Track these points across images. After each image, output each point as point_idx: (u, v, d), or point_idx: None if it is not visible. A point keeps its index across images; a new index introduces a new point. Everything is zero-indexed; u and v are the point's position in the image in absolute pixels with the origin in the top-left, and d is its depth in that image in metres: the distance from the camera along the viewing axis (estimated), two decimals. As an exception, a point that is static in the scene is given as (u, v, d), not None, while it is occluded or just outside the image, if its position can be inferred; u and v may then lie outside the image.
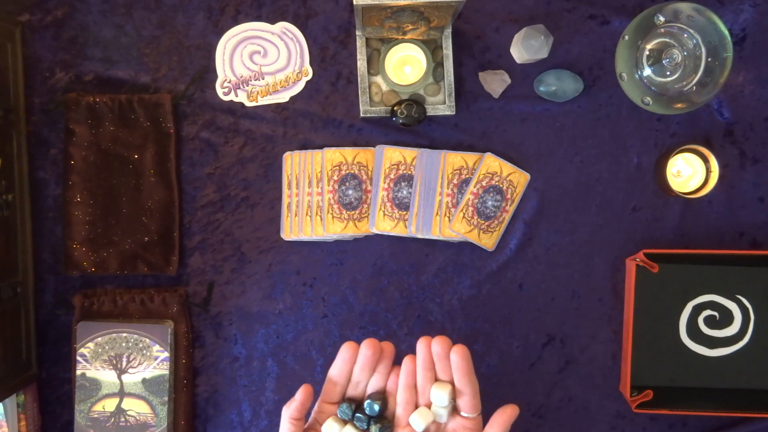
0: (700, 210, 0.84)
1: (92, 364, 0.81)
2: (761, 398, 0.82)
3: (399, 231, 0.83)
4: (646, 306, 0.81)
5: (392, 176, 0.83)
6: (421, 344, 0.61)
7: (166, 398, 0.81)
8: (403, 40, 0.81)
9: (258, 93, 0.84)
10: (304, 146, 0.84)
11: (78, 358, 0.81)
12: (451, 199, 0.83)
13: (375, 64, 0.83)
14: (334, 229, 0.83)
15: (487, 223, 0.83)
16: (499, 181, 0.83)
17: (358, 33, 0.82)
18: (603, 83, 0.84)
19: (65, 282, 0.84)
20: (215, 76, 0.84)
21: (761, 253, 0.81)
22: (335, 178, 0.83)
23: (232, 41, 0.83)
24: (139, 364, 0.81)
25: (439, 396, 0.60)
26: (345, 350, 0.61)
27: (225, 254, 0.84)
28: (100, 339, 0.81)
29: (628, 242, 0.84)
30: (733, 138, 0.84)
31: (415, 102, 0.81)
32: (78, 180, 0.81)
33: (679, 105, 0.75)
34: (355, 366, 0.62)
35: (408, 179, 0.83)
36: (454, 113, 0.83)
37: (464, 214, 0.82)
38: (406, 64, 0.83)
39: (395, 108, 0.81)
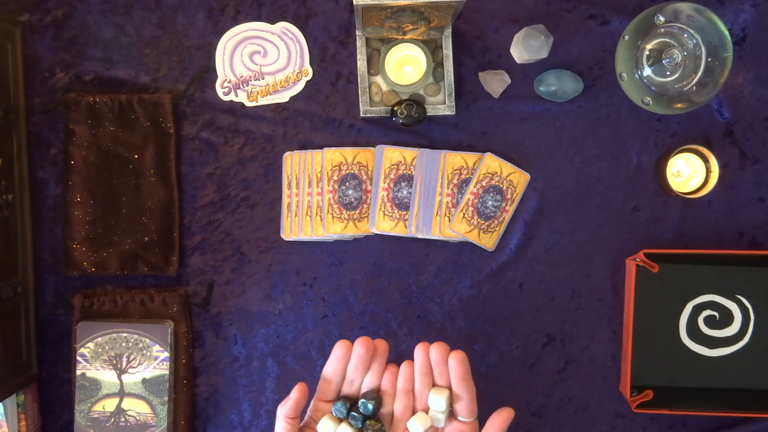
0: (700, 210, 0.84)
1: (92, 364, 0.81)
2: (761, 398, 0.82)
3: (399, 231, 0.83)
4: (646, 306, 0.81)
5: (392, 176, 0.83)
6: (418, 350, 0.61)
7: (166, 398, 0.81)
8: (403, 40, 0.81)
9: (258, 93, 0.84)
10: (304, 146, 0.84)
11: (78, 358, 0.81)
12: (451, 199, 0.83)
13: (375, 64, 0.83)
14: (334, 229, 0.83)
15: (487, 223, 0.83)
16: (499, 181, 0.83)
17: (358, 33, 0.82)
18: (603, 83, 0.84)
19: (65, 282, 0.84)
20: (215, 76, 0.84)
21: (761, 253, 0.81)
22: (335, 178, 0.83)
23: (232, 41, 0.83)
24: (139, 364, 0.81)
25: (437, 401, 0.60)
26: (338, 348, 0.61)
27: (225, 254, 0.84)
28: (100, 339, 0.81)
29: (628, 242, 0.84)
30: (733, 138, 0.84)
31: (415, 102, 0.81)
32: (78, 180, 0.81)
33: (679, 105, 0.76)
34: (349, 364, 0.62)
35: (408, 179, 0.83)
36: (454, 113, 0.83)
37: (464, 214, 0.82)
38: (406, 64, 0.83)
39: (395, 108, 0.81)
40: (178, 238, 0.83)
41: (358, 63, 0.82)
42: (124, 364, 0.81)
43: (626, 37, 0.75)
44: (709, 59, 0.73)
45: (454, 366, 0.60)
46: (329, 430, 0.61)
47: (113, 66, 0.83)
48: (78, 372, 0.81)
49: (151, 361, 0.81)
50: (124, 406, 0.81)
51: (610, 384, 0.84)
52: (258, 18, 0.83)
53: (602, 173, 0.84)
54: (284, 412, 0.61)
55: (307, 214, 0.83)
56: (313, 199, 0.83)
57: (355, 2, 0.68)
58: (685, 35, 0.74)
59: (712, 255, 0.81)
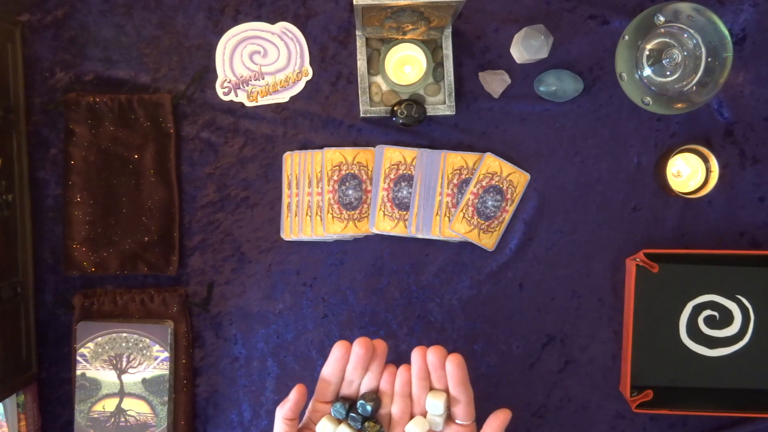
0: (700, 210, 0.84)
1: (92, 364, 0.81)
2: (761, 398, 0.82)
3: (399, 231, 0.83)
4: (646, 306, 0.81)
5: (392, 176, 0.83)
6: (416, 354, 0.61)
7: (166, 398, 0.81)
8: (403, 40, 0.81)
9: (258, 93, 0.84)
10: (304, 146, 0.84)
11: (78, 358, 0.81)
12: (451, 199, 0.83)
13: (375, 64, 0.83)
14: (334, 229, 0.83)
15: (487, 223, 0.83)
16: (499, 181, 0.83)
17: (358, 33, 0.82)
18: (603, 83, 0.84)
19: (65, 282, 0.84)
20: (215, 76, 0.84)
21: (761, 253, 0.81)
22: (335, 178, 0.83)
23: (232, 41, 0.83)
24: (139, 364, 0.81)
25: (435, 405, 0.60)
26: (337, 349, 0.61)
27: (225, 254, 0.84)
28: (100, 339, 0.81)
29: (628, 242, 0.84)
30: (733, 138, 0.84)
31: (415, 102, 0.81)
32: (78, 180, 0.81)
33: (679, 105, 0.76)
34: (347, 365, 0.62)
35: (408, 179, 0.83)
36: (454, 113, 0.83)
37: (464, 214, 0.82)
38: (406, 64, 0.83)
39: (395, 108, 0.81)
40: (178, 238, 0.83)
41: (358, 63, 0.82)
42: (124, 364, 0.81)
43: (626, 37, 0.75)
44: (709, 59, 0.73)
45: (452, 369, 0.60)
46: (328, 431, 0.61)
47: (113, 66, 0.83)
48: (78, 372, 0.81)
49: (151, 361, 0.81)
50: (124, 406, 0.81)
51: (610, 384, 0.84)
52: (258, 18, 0.84)
53: (602, 173, 0.84)
54: (283, 413, 0.61)
55: (307, 214, 0.83)
56: (313, 199, 0.83)
57: (355, 2, 0.68)
58: (685, 35, 0.74)
59: (712, 255, 0.81)
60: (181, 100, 0.83)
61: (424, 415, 0.62)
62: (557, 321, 0.84)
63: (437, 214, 0.83)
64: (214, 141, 0.84)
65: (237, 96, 0.84)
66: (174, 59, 0.83)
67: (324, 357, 0.84)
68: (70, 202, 0.82)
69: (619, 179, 0.84)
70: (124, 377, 0.81)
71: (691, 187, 0.83)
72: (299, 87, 0.84)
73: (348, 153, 0.83)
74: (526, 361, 0.85)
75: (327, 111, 0.84)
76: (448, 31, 0.81)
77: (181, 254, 0.84)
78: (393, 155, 0.83)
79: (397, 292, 0.85)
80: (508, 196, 0.83)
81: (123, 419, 0.81)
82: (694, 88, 0.74)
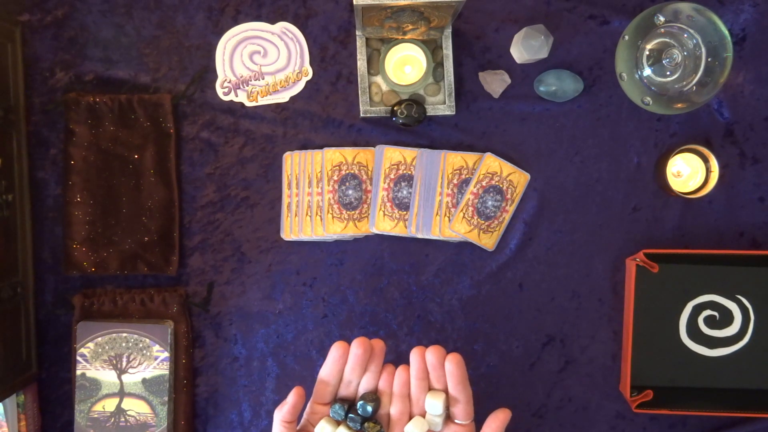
0: (700, 210, 0.84)
1: (92, 364, 0.81)
2: (761, 398, 0.82)
3: (399, 231, 0.83)
4: (646, 306, 0.81)
5: (392, 176, 0.83)
6: (414, 354, 0.61)
7: (166, 398, 0.81)
8: (403, 40, 0.81)
9: (258, 93, 0.84)
10: (304, 146, 0.84)
11: (78, 358, 0.81)
12: (451, 199, 0.83)
13: (375, 64, 0.83)
14: (334, 229, 0.83)
15: (487, 223, 0.83)
16: (499, 181, 0.83)
17: (358, 33, 0.82)
18: (603, 83, 0.84)
19: (65, 282, 0.84)
20: (215, 76, 0.84)
21: (761, 253, 0.81)
22: (335, 178, 0.83)
23: (232, 41, 0.83)
24: (139, 364, 0.81)
25: (434, 405, 0.60)
26: (335, 350, 0.61)
27: (225, 254, 0.84)
28: (100, 339, 0.81)
29: (628, 242, 0.84)
30: (733, 138, 0.84)
31: (415, 102, 0.81)
32: (78, 180, 0.81)
33: (679, 105, 0.76)
34: (346, 365, 0.61)
35: (408, 179, 0.83)
36: (454, 113, 0.83)
37: (464, 214, 0.82)
38: (406, 64, 0.83)
39: (395, 108, 0.81)
40: (178, 238, 0.83)
41: (358, 63, 0.82)
42: (124, 364, 0.81)
43: (626, 37, 0.75)
44: (709, 59, 0.73)
45: (451, 369, 0.60)
46: None
47: (113, 66, 0.83)
48: (78, 372, 0.81)
49: (151, 361, 0.81)
50: (124, 406, 0.81)
51: (610, 384, 0.84)
52: (258, 18, 0.84)
53: (602, 173, 0.84)
54: (281, 416, 0.61)
55: (307, 214, 0.83)
56: (313, 199, 0.83)
57: (355, 2, 0.68)
58: (685, 35, 0.74)
59: (712, 255, 0.81)
60: (181, 100, 0.83)
61: (423, 415, 0.62)
62: (557, 321, 0.84)
63: (437, 214, 0.83)
64: (214, 141, 0.84)
65: (237, 96, 0.84)
66: (174, 59, 0.83)
67: (324, 357, 0.84)
68: (70, 202, 0.82)
69: (619, 179, 0.84)
70: (124, 377, 0.81)
71: (691, 187, 0.83)
72: (299, 87, 0.84)
73: (348, 153, 0.83)
74: (526, 361, 0.85)
75: (327, 111, 0.84)
76: (448, 31, 0.81)
77: (181, 254, 0.84)
78: (393, 155, 0.83)
79: (397, 292, 0.85)
80: (508, 196, 0.83)
81: (123, 419, 0.81)
82: (694, 88, 0.74)
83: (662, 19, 0.74)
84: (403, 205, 0.83)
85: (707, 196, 0.83)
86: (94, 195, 0.82)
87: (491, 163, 0.82)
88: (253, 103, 0.84)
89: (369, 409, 0.60)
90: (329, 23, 0.84)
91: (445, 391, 0.61)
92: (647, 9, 0.75)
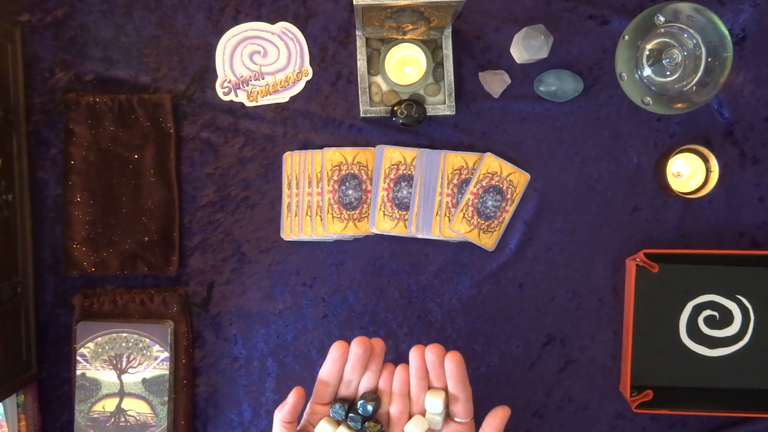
0: (700, 210, 0.84)
1: (92, 364, 0.81)
2: (761, 398, 0.82)
3: (399, 231, 0.83)
4: (646, 306, 0.81)
5: (392, 176, 0.83)
6: (414, 353, 0.61)
7: (166, 398, 0.81)
8: (403, 40, 0.81)
9: (258, 93, 0.84)
10: (304, 146, 0.84)
11: (78, 358, 0.81)
12: (451, 199, 0.83)
13: (375, 64, 0.83)
14: (334, 229, 0.83)
15: (487, 223, 0.83)
16: (499, 181, 0.83)
17: (358, 33, 0.82)
18: (603, 83, 0.84)
19: (65, 282, 0.84)
20: (215, 76, 0.84)
21: (761, 253, 0.81)
22: (335, 178, 0.83)
23: (232, 41, 0.83)
24: (139, 364, 0.81)
25: (434, 403, 0.60)
26: (335, 350, 0.61)
27: (225, 254, 0.84)
28: (100, 339, 0.81)
29: (628, 242, 0.84)
30: (733, 138, 0.84)
31: (415, 102, 0.81)
32: (78, 180, 0.81)
33: (679, 105, 0.76)
34: (346, 365, 0.61)
35: (408, 179, 0.83)
36: (454, 113, 0.83)
37: (464, 214, 0.82)
38: (406, 64, 0.83)
39: (395, 108, 0.81)
40: (178, 238, 0.83)
41: (358, 63, 0.82)
42: (124, 364, 0.81)
43: (626, 37, 0.75)
44: (709, 59, 0.73)
45: (451, 367, 0.60)
46: None
47: (113, 66, 0.83)
48: (78, 372, 0.81)
49: (151, 361, 0.81)
50: (124, 406, 0.81)
51: (610, 384, 0.84)
52: (258, 18, 0.84)
53: (602, 173, 0.84)
54: (281, 416, 0.61)
55: (307, 214, 0.83)
56: (313, 199, 0.83)
57: (355, 2, 0.68)
58: (685, 35, 0.74)
59: (712, 255, 0.81)
60: (181, 100, 0.83)
61: (423, 414, 0.62)
62: (557, 321, 0.84)
63: (437, 214, 0.83)
64: (214, 141, 0.84)
65: (237, 96, 0.84)
66: (174, 59, 0.83)
67: (324, 357, 0.84)
68: (70, 202, 0.82)
69: (619, 179, 0.84)
70: (124, 377, 0.81)
71: (691, 187, 0.83)
72: (299, 87, 0.84)
73: (348, 153, 0.83)
74: (526, 361, 0.85)
75: (327, 111, 0.84)
76: (448, 31, 0.81)
77: (181, 254, 0.84)
78: (393, 155, 0.83)
79: (397, 292, 0.85)
80: (508, 196, 0.83)
81: (123, 419, 0.81)
82: (694, 88, 0.74)
83: (662, 19, 0.74)
84: (403, 205, 0.83)
85: (707, 196, 0.83)
86: (94, 195, 0.82)
87: (491, 163, 0.82)
88: (253, 103, 0.84)
89: (369, 408, 0.60)
90: (329, 23, 0.84)
91: (445, 389, 0.61)
92: (647, 9, 0.75)
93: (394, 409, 0.61)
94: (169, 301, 0.82)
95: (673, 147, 0.82)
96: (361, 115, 0.83)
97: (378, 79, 0.83)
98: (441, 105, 0.82)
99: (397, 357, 0.84)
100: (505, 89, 0.83)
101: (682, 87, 0.75)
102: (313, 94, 0.84)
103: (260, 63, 0.84)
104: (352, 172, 0.83)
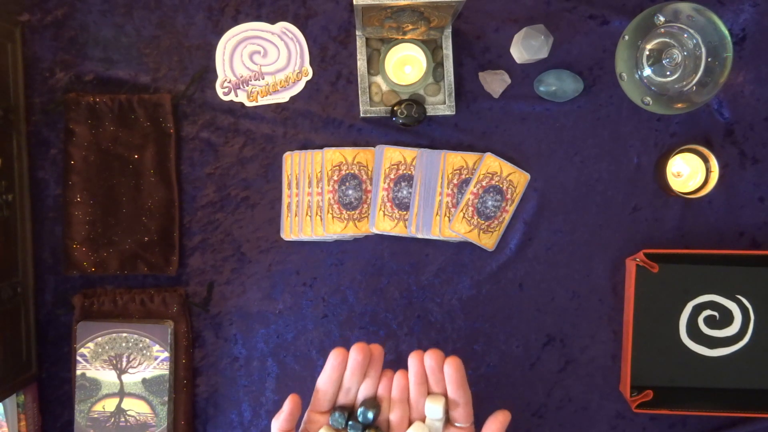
0: (700, 210, 0.84)
1: (92, 364, 0.81)
2: (761, 398, 0.82)
3: (399, 231, 0.83)
4: (646, 306, 0.81)
5: (392, 176, 0.83)
6: (412, 358, 0.60)
7: (166, 398, 0.81)
8: (403, 40, 0.81)
9: (258, 93, 0.84)
10: (304, 146, 0.84)
11: (78, 358, 0.81)
12: (451, 199, 0.83)
13: (375, 64, 0.83)
14: (334, 229, 0.83)
15: (487, 223, 0.83)
16: (499, 181, 0.83)
17: (358, 33, 0.82)
18: (603, 83, 0.84)
19: (65, 282, 0.84)
20: (215, 76, 0.84)
21: (761, 253, 0.81)
22: (335, 178, 0.83)
23: (232, 41, 0.83)
24: (139, 364, 0.81)
25: (434, 409, 0.59)
26: (334, 357, 0.60)
27: (225, 254, 0.84)
28: (100, 339, 0.81)
29: (628, 242, 0.84)
30: (733, 138, 0.84)
31: (415, 102, 0.81)
32: (78, 180, 0.81)
33: (679, 105, 0.75)
34: (345, 372, 0.60)
35: (408, 179, 0.83)
36: (454, 113, 0.83)
37: (464, 214, 0.82)
38: (406, 64, 0.83)
39: (395, 108, 0.81)
40: (178, 238, 0.83)
41: (358, 63, 0.82)
42: (124, 364, 0.81)
43: (626, 37, 0.75)
44: (709, 59, 0.73)
45: (451, 372, 0.59)
46: None
47: (113, 66, 0.83)
48: (78, 372, 0.81)
49: (151, 361, 0.81)
50: (124, 406, 0.81)
51: (610, 384, 0.84)
52: (258, 18, 0.84)
53: (602, 173, 0.84)
54: (278, 425, 0.60)
55: (307, 214, 0.83)
56: (313, 199, 0.83)
57: (355, 2, 0.68)
58: (685, 35, 0.74)
59: (712, 255, 0.81)
60: (181, 100, 0.83)
61: (423, 420, 0.61)
62: (557, 321, 0.84)
63: (437, 214, 0.83)
64: (214, 141, 0.84)
65: (237, 96, 0.84)
66: (174, 59, 0.83)
67: (324, 357, 0.84)
68: (70, 202, 0.82)
69: (619, 179, 0.84)
70: (124, 377, 0.81)
71: (691, 187, 0.83)
72: (299, 87, 0.84)
73: (348, 153, 0.83)
74: (526, 361, 0.85)
75: (327, 111, 0.84)
76: (448, 31, 0.81)
77: (181, 254, 0.84)
78: (393, 155, 0.83)
79: (397, 292, 0.85)
80: (508, 196, 0.83)
81: (123, 419, 0.81)
82: (694, 88, 0.74)
83: (662, 19, 0.74)
84: (403, 205, 0.83)
85: (707, 196, 0.83)
86: (94, 195, 0.82)
87: (491, 163, 0.82)
88: (253, 103, 0.84)
89: (370, 416, 0.59)
90: (329, 23, 0.84)
91: (445, 394, 0.61)
92: (647, 9, 0.75)
93: (394, 415, 0.61)
94: (169, 301, 0.82)
95: (673, 147, 0.82)
96: (361, 115, 0.83)
97: (378, 79, 0.83)
98: (441, 105, 0.82)
99: (396, 357, 0.84)
100: (505, 89, 0.83)
101: (682, 87, 0.75)
102: (313, 94, 0.84)
103: (260, 63, 0.84)
104: (352, 172, 0.83)
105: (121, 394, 0.81)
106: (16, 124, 0.81)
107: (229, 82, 0.84)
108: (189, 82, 0.83)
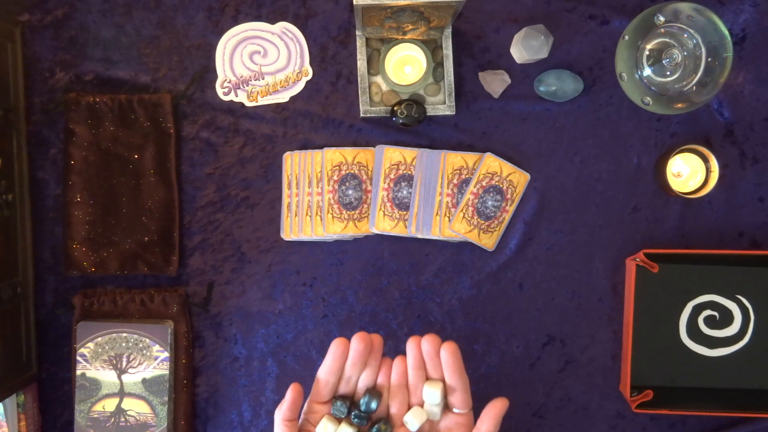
0: (700, 210, 0.84)
1: (92, 364, 0.81)
2: (761, 398, 0.82)
3: (399, 231, 0.83)
4: (646, 306, 0.81)
5: (392, 176, 0.83)
6: (410, 344, 0.61)
7: (166, 398, 0.81)
8: (403, 40, 0.81)
9: (258, 93, 0.84)
10: (304, 146, 0.84)
11: (78, 358, 0.81)
12: (451, 199, 0.83)
13: (375, 64, 0.83)
14: (334, 229, 0.83)
15: (487, 223, 0.83)
16: (499, 181, 0.83)
17: (358, 33, 0.82)
18: (603, 83, 0.84)
19: (65, 282, 0.84)
20: (215, 76, 0.84)
21: (761, 253, 0.81)
22: (335, 178, 0.83)
23: (232, 41, 0.83)
24: (139, 364, 0.81)
25: (432, 394, 0.60)
26: (335, 347, 0.61)
27: (225, 254, 0.84)
28: (100, 339, 0.81)
29: (628, 242, 0.84)
30: (733, 138, 0.84)
31: (415, 102, 0.81)
32: (78, 180, 0.81)
33: (679, 105, 0.76)
34: (346, 362, 0.61)
35: (408, 179, 0.83)
36: (454, 113, 0.83)
37: (464, 214, 0.82)
38: (406, 64, 0.83)
39: (395, 108, 0.81)
40: (178, 238, 0.83)
41: (358, 63, 0.82)
42: (124, 364, 0.81)
43: (626, 37, 0.75)
44: (709, 59, 0.73)
45: (446, 357, 0.60)
46: (329, 431, 0.61)
47: (113, 66, 0.83)
48: (78, 372, 0.81)
49: (151, 361, 0.81)
50: (124, 406, 0.81)
51: (610, 384, 0.84)
52: (258, 18, 0.84)
53: (602, 173, 0.84)
54: (282, 414, 0.60)
55: (307, 214, 0.83)
56: (313, 199, 0.83)
57: (355, 2, 0.68)
58: (685, 35, 0.74)
59: (712, 255, 0.81)
60: (181, 100, 0.83)
61: (422, 405, 0.62)
62: (557, 321, 0.84)
63: (437, 214, 0.83)
64: (214, 141, 0.84)
65: (237, 96, 0.84)
66: (174, 59, 0.83)
67: (324, 357, 0.84)
68: (70, 202, 0.82)
69: (619, 179, 0.84)
70: (124, 377, 0.81)
71: (691, 187, 0.83)
72: (299, 87, 0.84)
73: (348, 153, 0.83)
74: (526, 361, 0.85)
75: (327, 111, 0.84)
76: (448, 31, 0.81)
77: (181, 254, 0.84)
78: (393, 155, 0.83)
79: (397, 292, 0.85)
80: (508, 196, 0.83)
81: (123, 419, 0.81)
82: (694, 88, 0.74)
83: (662, 19, 0.74)
84: (403, 205, 0.83)
85: (707, 196, 0.83)
86: (94, 195, 0.82)
87: (491, 163, 0.82)
88: (253, 103, 0.84)
89: (374, 405, 0.60)
90: (329, 23, 0.84)
91: (442, 380, 0.61)
92: (647, 9, 0.75)
93: (393, 401, 0.61)
94: (169, 301, 0.82)
95: (673, 147, 0.82)
96: (361, 115, 0.83)
97: (378, 79, 0.83)
98: (441, 105, 0.82)
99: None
100: (505, 89, 0.83)
101: (682, 87, 0.75)
102: (313, 94, 0.84)
103: (260, 63, 0.84)
104: (352, 172, 0.83)
105: (121, 394, 0.81)
106: (16, 124, 0.81)
107: (229, 82, 0.84)
108: (189, 82, 0.83)
